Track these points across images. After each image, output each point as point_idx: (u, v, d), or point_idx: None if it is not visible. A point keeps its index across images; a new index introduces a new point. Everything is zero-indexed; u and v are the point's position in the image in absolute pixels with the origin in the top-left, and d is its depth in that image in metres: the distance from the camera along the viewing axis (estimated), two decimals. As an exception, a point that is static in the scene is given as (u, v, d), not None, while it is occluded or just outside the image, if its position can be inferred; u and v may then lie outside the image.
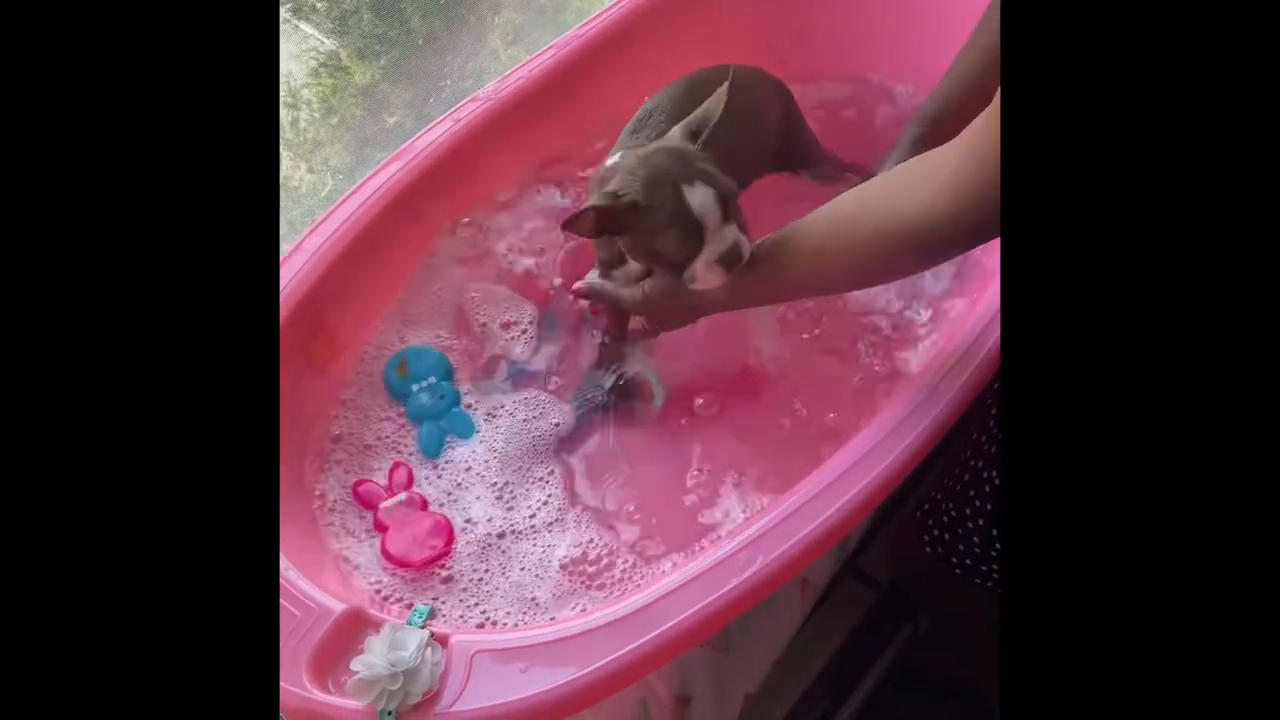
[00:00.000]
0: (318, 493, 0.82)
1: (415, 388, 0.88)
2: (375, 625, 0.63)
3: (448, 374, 0.90)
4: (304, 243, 0.86)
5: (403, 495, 0.82)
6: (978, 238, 0.62)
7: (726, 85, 0.75)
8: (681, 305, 0.78)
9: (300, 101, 1.42)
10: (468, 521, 0.81)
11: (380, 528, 0.80)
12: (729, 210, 0.71)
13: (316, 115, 1.45)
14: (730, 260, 0.71)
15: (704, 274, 0.72)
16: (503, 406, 0.89)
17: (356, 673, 0.58)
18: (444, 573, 0.78)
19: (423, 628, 0.62)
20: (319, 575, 0.71)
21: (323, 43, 1.48)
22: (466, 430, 0.87)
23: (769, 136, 0.94)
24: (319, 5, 1.53)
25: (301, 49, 1.45)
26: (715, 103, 0.75)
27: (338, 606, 0.64)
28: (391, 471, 0.84)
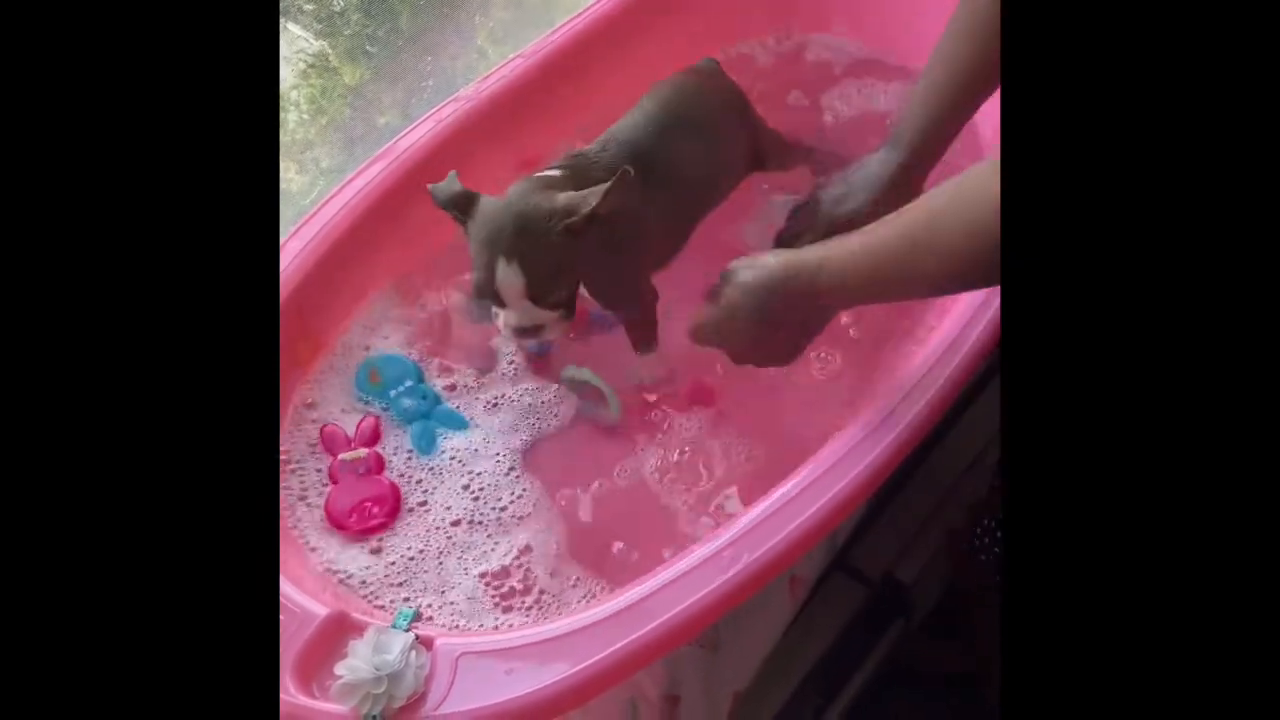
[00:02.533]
0: (294, 488, 0.82)
1: (393, 393, 0.87)
2: (359, 629, 0.63)
3: (420, 377, 0.89)
4: (286, 245, 0.86)
5: (362, 451, 0.83)
6: None
7: (621, 174, 0.73)
8: (793, 317, 0.70)
9: (289, 103, 1.42)
10: (420, 504, 0.82)
11: (333, 479, 0.82)
12: (539, 288, 0.74)
13: (306, 116, 1.44)
14: (525, 333, 0.77)
15: (504, 337, 0.79)
16: (504, 395, 0.88)
17: (340, 677, 0.58)
18: (374, 542, 0.79)
19: (407, 630, 0.62)
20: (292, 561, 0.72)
21: (311, 43, 1.47)
22: (458, 425, 0.86)
23: (736, 142, 0.93)
24: (307, 6, 1.52)
25: (290, 50, 1.44)
26: (595, 196, 0.73)
27: (321, 610, 0.64)
28: (359, 423, 0.85)
